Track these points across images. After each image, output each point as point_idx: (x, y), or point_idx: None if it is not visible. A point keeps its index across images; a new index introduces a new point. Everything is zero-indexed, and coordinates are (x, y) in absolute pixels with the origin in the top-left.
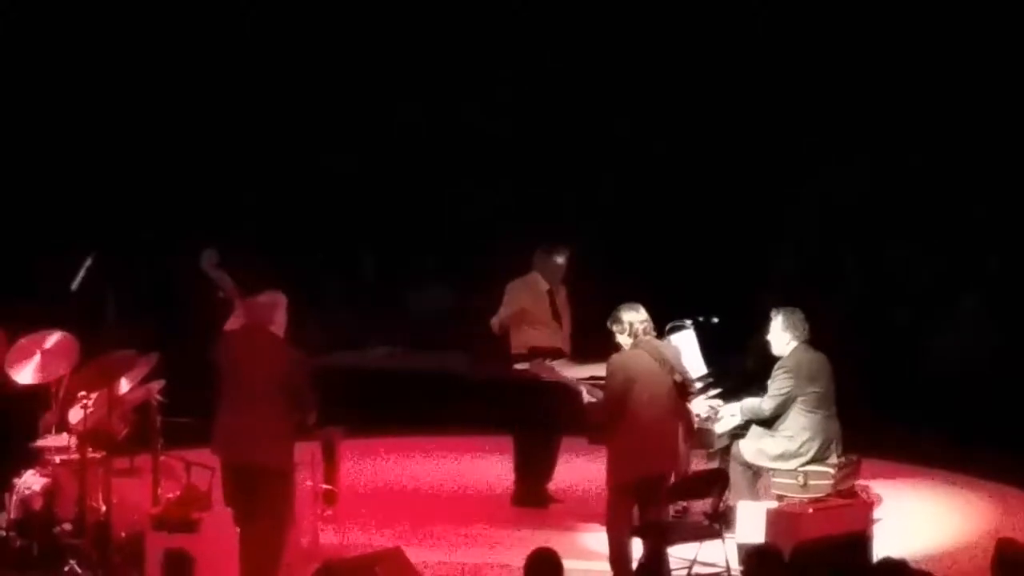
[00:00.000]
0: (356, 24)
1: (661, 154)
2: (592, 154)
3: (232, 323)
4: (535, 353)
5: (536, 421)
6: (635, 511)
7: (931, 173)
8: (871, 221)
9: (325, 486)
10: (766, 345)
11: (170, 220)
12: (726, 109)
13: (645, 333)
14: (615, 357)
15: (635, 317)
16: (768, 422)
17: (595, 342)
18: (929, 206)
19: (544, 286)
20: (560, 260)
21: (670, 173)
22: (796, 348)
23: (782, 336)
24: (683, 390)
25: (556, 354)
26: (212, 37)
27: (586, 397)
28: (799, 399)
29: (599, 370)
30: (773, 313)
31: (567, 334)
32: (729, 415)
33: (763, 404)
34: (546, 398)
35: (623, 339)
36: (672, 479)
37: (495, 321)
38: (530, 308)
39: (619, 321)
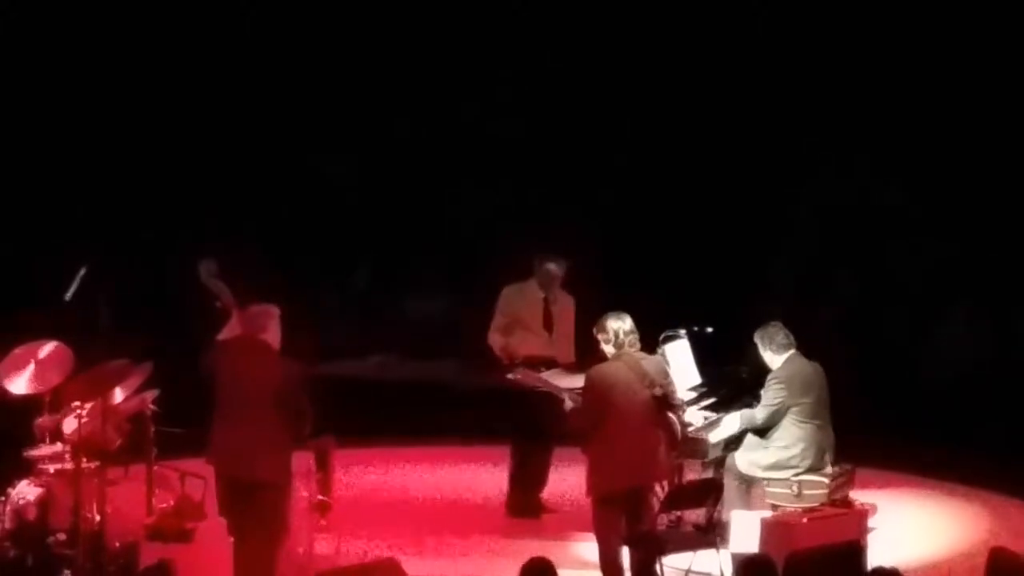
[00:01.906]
0: (353, 31)
1: (659, 160)
2: (590, 160)
3: (227, 333)
4: (528, 362)
5: (531, 430)
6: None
7: (926, 177)
8: (866, 227)
9: (320, 497)
10: (762, 361)
11: (165, 229)
12: (724, 115)
13: (630, 345)
14: (593, 369)
15: (620, 326)
16: (761, 432)
17: (592, 351)
18: (922, 211)
19: (539, 294)
20: (553, 268)
21: (668, 179)
22: (788, 358)
23: (766, 355)
24: (666, 403)
25: (549, 363)
26: (207, 45)
27: (568, 404)
28: (792, 409)
29: (578, 381)
30: (754, 338)
31: (570, 343)
32: (728, 424)
33: (756, 413)
34: (537, 407)
35: (607, 348)
36: (665, 489)
37: (495, 339)
38: (522, 315)
39: (604, 329)
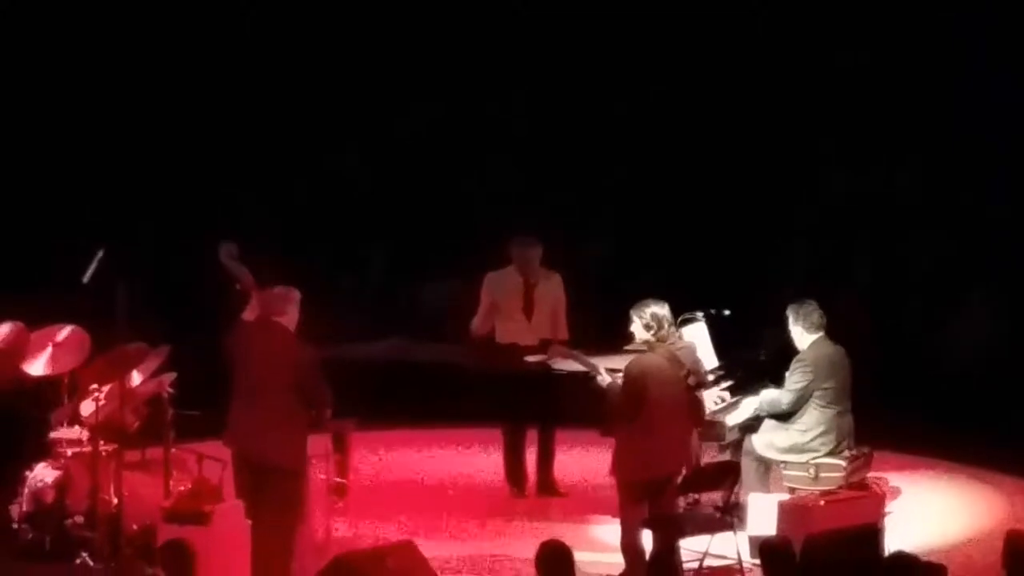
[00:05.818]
0: (366, 24)
1: (673, 146)
2: (603, 148)
3: (248, 314)
4: (510, 351)
5: (521, 411)
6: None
7: (937, 167)
8: (882, 214)
9: (337, 479)
10: (785, 340)
11: (179, 215)
12: (739, 102)
13: (670, 334)
14: (632, 361)
15: (664, 313)
16: (784, 416)
17: (602, 337)
18: (938, 199)
19: (518, 278)
20: (525, 251)
21: (682, 167)
22: (815, 341)
23: (795, 330)
24: (696, 385)
25: (532, 350)
26: (222, 33)
27: (602, 380)
28: (815, 393)
29: (608, 362)
30: (787, 311)
31: (560, 322)
32: (747, 408)
33: (781, 397)
34: (548, 389)
35: (641, 331)
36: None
37: (474, 323)
38: (501, 301)
39: (645, 314)
